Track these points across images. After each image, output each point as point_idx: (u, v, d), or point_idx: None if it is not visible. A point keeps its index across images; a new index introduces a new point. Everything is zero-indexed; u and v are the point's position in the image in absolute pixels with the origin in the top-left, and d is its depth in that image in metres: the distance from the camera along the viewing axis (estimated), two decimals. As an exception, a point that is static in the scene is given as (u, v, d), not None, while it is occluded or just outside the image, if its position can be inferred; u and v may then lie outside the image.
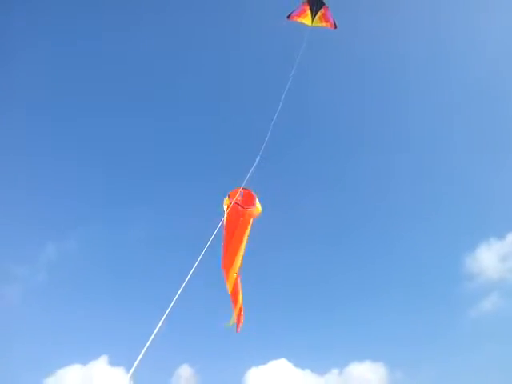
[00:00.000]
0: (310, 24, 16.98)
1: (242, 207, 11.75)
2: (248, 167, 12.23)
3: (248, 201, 11.94)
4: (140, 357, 4.50)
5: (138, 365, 4.78)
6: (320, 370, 36.27)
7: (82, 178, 45.78)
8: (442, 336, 38.73)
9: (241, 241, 11.46)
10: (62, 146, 45.58)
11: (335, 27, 17.51)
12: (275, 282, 44.70)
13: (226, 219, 11.30)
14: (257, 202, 12.07)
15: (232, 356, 37.40)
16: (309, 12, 16.98)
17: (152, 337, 4.72)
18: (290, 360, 35.64)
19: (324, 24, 17.28)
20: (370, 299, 43.11)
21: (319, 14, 17.08)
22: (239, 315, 11.13)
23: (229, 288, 11.12)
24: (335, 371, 37.46)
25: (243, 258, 11.40)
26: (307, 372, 36.05)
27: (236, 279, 11.21)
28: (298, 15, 16.90)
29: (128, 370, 4.73)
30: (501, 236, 43.60)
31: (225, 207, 11.62)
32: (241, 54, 47.46)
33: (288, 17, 17.05)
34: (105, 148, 47.10)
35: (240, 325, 11.13)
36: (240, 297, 11.27)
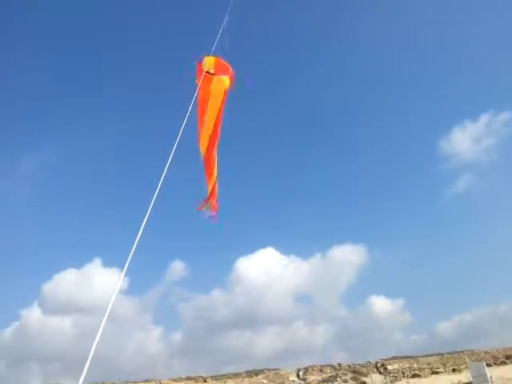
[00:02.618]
0: None
1: (215, 74, 10.96)
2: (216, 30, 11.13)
3: (219, 69, 11.13)
4: (130, 255, 4.83)
5: (130, 263, 5.15)
6: (304, 254, 39.59)
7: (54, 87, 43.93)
8: (418, 216, 42.04)
9: (207, 107, 10.81)
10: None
11: None
12: (260, 176, 46.25)
13: (199, 89, 10.58)
14: (228, 73, 11.19)
15: (221, 248, 40.34)
16: None
17: (139, 235, 5.02)
18: (276, 248, 38.53)
19: None
20: (349, 186, 45.44)
21: None
22: (212, 193, 10.83)
23: (202, 152, 10.79)
24: (318, 255, 40.95)
25: (219, 130, 10.91)
26: (292, 257, 39.16)
27: (211, 151, 10.81)
28: None
29: (122, 269, 5.11)
30: (474, 118, 44.89)
31: (198, 79, 10.80)
32: None
33: None
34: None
35: (209, 202, 10.73)
36: (215, 172, 10.94)
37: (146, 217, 5.16)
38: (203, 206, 10.72)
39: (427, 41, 49.01)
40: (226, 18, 11.64)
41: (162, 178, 6.08)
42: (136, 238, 4.96)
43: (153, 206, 5.86)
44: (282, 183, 46.23)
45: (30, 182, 40.28)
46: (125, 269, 4.83)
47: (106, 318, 4.27)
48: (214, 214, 10.88)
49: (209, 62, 10.80)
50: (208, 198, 10.88)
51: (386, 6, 47.11)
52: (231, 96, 11.22)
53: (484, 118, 44.31)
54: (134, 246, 4.86)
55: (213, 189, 10.96)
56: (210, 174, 10.99)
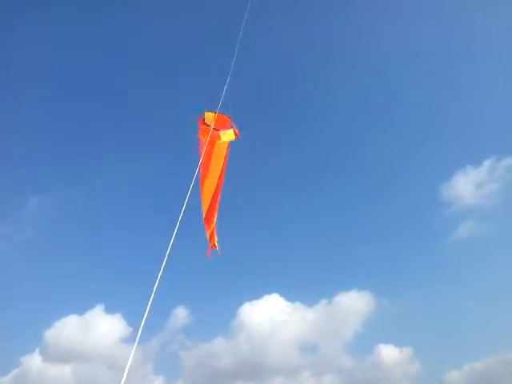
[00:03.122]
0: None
1: (217, 130, 11.32)
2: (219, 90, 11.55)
3: (221, 124, 11.50)
4: (145, 315, 5.06)
5: (143, 322, 5.35)
6: (309, 301, 38.88)
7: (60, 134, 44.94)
8: (422, 262, 41.47)
9: (211, 161, 11.12)
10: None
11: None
12: (266, 222, 46.17)
13: (201, 143, 10.94)
14: (232, 127, 11.60)
15: (225, 294, 39.50)
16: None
17: (154, 291, 5.24)
18: (281, 294, 37.97)
19: None
20: (353, 234, 45.24)
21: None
22: (212, 237, 10.93)
23: (204, 204, 10.92)
24: (324, 302, 40.23)
25: (223, 182, 11.18)
26: (297, 304, 38.57)
27: (213, 202, 10.98)
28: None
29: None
30: (477, 163, 45.40)
31: (199, 134, 11.26)
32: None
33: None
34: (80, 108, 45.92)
35: (212, 247, 10.81)
36: (215, 220, 11.08)
37: (161, 271, 5.39)
38: (210, 250, 10.86)
39: (428, 86, 50.21)
40: (229, 78, 12.12)
41: (172, 238, 6.37)
42: (141, 285, 5.22)
43: (166, 261, 6.09)
44: (287, 229, 46.11)
45: (33, 225, 40.24)
46: (140, 328, 5.04)
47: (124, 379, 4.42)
48: (210, 249, 10.92)
49: (209, 117, 11.28)
50: (211, 242, 10.97)
51: (382, 58, 48.83)
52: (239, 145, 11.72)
53: (487, 164, 44.48)
54: (150, 302, 5.10)
55: (212, 233, 11.05)
56: (211, 221, 11.09)
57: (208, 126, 11.19)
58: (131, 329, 32.33)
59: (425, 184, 46.99)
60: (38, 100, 44.51)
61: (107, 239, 42.34)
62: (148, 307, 5.22)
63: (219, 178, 11.28)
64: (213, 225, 11.13)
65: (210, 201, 11.10)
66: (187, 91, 45.63)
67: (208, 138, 10.60)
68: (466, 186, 44.24)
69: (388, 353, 35.24)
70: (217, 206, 11.24)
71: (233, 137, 11.59)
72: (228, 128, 11.58)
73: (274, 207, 46.09)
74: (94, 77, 46.47)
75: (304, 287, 38.90)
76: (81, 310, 35.89)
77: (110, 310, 35.54)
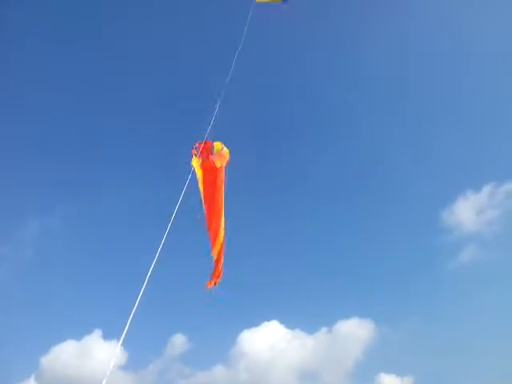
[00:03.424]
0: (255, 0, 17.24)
1: (208, 159, 11.35)
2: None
3: (211, 152, 11.58)
4: (128, 324, 5.32)
5: (127, 333, 5.62)
6: (310, 329, 38.37)
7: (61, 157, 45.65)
8: (423, 289, 41.12)
9: (215, 191, 11.20)
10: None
11: (284, 1, 17.86)
12: (265, 248, 46.14)
13: (201, 178, 11.05)
14: (222, 148, 11.66)
15: (224, 321, 39.04)
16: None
17: (136, 305, 5.49)
18: (281, 322, 37.48)
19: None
20: (353, 261, 45.09)
21: (265, -12, 17.31)
22: (217, 275, 10.99)
23: (214, 252, 10.98)
24: (324, 329, 39.67)
25: (223, 204, 11.31)
26: (297, 331, 38.05)
27: (218, 225, 11.13)
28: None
29: (123, 342, 5.50)
30: (477, 189, 45.58)
31: (195, 166, 11.21)
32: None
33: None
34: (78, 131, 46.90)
35: (214, 281, 10.85)
36: (222, 260, 11.16)
37: (143, 288, 5.67)
38: (211, 284, 10.88)
39: (427, 110, 50.97)
40: (218, 103, 12.41)
41: (158, 252, 6.67)
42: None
43: (150, 275, 6.38)
44: (287, 255, 45.89)
45: (33, 247, 40.17)
46: (120, 341, 5.28)
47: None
48: (211, 283, 10.91)
49: (202, 145, 11.46)
50: (215, 274, 11.01)
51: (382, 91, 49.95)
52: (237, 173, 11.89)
53: (486, 189, 44.66)
54: (131, 317, 5.36)
55: (218, 262, 11.12)
56: (215, 245, 11.18)
57: (201, 154, 11.30)
58: (128, 354, 31.95)
59: (425, 209, 47.07)
60: (38, 120, 45.29)
61: (107, 263, 42.35)
62: (130, 319, 5.48)
63: (221, 206, 11.39)
64: (222, 260, 11.18)
65: (217, 234, 11.19)
66: (188, 116, 46.56)
67: (197, 164, 10.85)
68: (467, 211, 44.29)
69: (389, 382, 34.53)
70: (223, 240, 11.33)
71: (226, 159, 11.67)
72: (219, 153, 11.69)
73: (274, 233, 46.14)
74: (94, 96, 47.51)
75: (304, 314, 38.51)
76: (78, 335, 35.48)
77: (107, 335, 35.21)
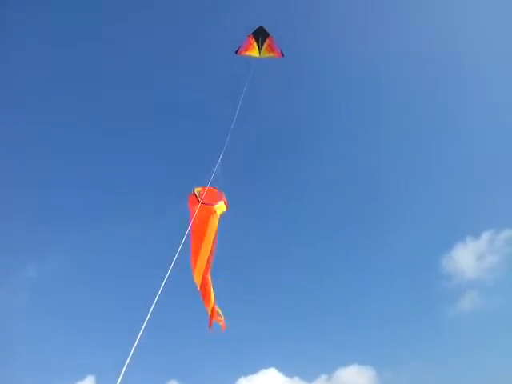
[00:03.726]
0: (257, 55, 18.30)
1: (205, 204, 11.51)
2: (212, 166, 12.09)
3: (212, 198, 11.75)
4: (122, 374, 5.41)
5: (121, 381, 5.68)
6: (309, 377, 37.14)
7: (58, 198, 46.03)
8: (424, 334, 40.26)
9: (205, 237, 11.28)
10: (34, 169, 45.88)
11: (282, 55, 18.96)
12: (263, 292, 45.58)
13: (192, 218, 11.09)
14: (222, 199, 11.84)
15: (220, 367, 37.82)
16: (255, 44, 18.29)
17: (131, 352, 5.60)
18: (279, 369, 36.30)
19: (272, 54, 18.61)
20: (352, 305, 44.48)
21: (265, 44, 18.43)
22: (213, 314, 11.10)
23: (198, 284, 11.05)
24: (324, 377, 38.39)
25: (214, 255, 11.35)
26: (296, 380, 36.84)
27: (205, 277, 11.14)
28: (246, 49, 18.16)
29: None
30: (476, 235, 45.61)
31: (190, 207, 11.43)
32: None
33: (236, 52, 18.27)
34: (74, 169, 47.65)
35: (214, 321, 11.05)
36: (212, 295, 11.24)
37: (139, 336, 5.78)
38: (211, 324, 11.12)
39: (427, 157, 52.05)
40: (221, 154, 12.86)
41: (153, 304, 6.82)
42: (127, 353, 5.58)
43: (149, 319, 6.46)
44: (284, 301, 45.21)
45: (29, 290, 39.56)
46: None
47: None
48: (211, 323, 11.16)
49: (199, 192, 11.66)
50: (212, 317, 11.17)
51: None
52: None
53: (486, 236, 44.87)
54: (125, 365, 5.45)
55: (213, 310, 11.21)
56: (207, 296, 11.27)
57: (198, 200, 11.48)
58: None
59: (425, 255, 46.89)
60: (36, 159, 46.07)
61: (101, 308, 41.69)
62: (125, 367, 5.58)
63: (210, 251, 11.45)
64: (212, 299, 11.28)
65: (202, 275, 11.21)
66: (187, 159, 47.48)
67: (196, 212, 10.98)
68: (467, 257, 44.16)
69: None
70: (209, 279, 11.38)
71: (224, 209, 11.85)
72: (219, 201, 11.86)
73: (272, 275, 45.78)
74: (93, 137, 48.66)
75: (303, 361, 37.39)
76: (71, 381, 34.25)
77: (101, 382, 34.06)
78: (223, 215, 11.93)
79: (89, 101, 46.74)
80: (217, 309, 11.38)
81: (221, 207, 11.81)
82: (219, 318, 11.41)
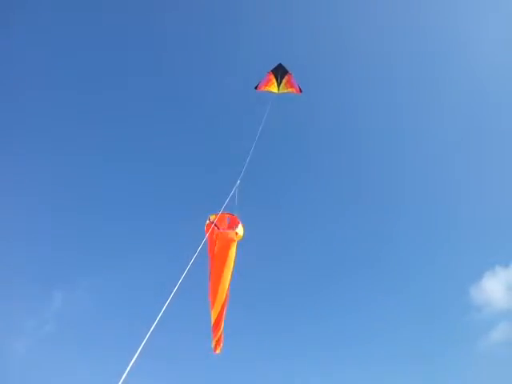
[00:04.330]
0: (276, 91, 19.05)
1: (222, 229, 11.45)
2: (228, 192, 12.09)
3: (228, 224, 11.68)
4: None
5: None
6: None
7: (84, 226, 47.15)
8: (455, 368, 38.03)
9: (225, 267, 11.16)
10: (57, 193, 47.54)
11: (301, 91, 19.63)
12: (272, 336, 44.50)
13: (208, 245, 11.06)
14: (239, 225, 11.64)
15: None
16: (274, 80, 19.07)
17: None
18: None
19: (290, 90, 19.27)
20: (379, 337, 42.73)
21: (284, 81, 19.17)
22: (219, 341, 10.94)
23: (213, 317, 10.87)
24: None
25: (230, 284, 11.21)
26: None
27: (222, 308, 11.01)
28: (265, 85, 18.93)
29: None
30: (506, 264, 43.82)
31: (206, 232, 11.24)
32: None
33: (256, 87, 19.08)
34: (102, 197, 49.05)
35: (218, 346, 10.83)
36: (222, 326, 11.07)
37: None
38: (217, 348, 10.88)
39: (453, 185, 51.03)
40: (238, 181, 13.06)
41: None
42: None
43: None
44: (294, 336, 43.87)
45: (56, 319, 39.96)
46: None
47: None
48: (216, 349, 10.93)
49: (215, 218, 11.55)
50: (217, 342, 10.96)
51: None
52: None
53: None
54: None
55: (219, 339, 11.05)
56: (219, 329, 11.10)
57: (215, 226, 11.41)
58: None
59: (454, 288, 45.03)
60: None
61: (127, 335, 41.79)
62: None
63: (227, 278, 11.33)
64: (221, 328, 11.10)
65: (219, 305, 11.07)
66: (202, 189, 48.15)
67: (209, 238, 10.97)
68: (496, 287, 42.20)
69: None
70: (225, 310, 11.22)
71: (241, 234, 11.68)
72: (236, 226, 11.69)
73: (287, 310, 44.78)
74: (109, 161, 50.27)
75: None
76: None
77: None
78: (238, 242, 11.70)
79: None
80: (222, 338, 11.11)
81: (240, 231, 11.60)
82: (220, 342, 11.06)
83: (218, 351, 10.88)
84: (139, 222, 50.27)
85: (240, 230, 11.69)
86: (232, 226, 11.84)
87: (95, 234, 48.04)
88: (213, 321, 10.96)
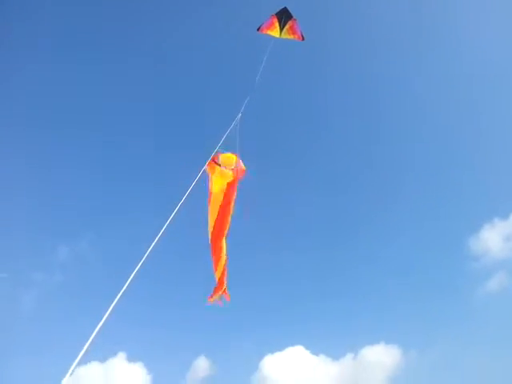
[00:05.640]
0: (278, 36, 18.71)
1: (225, 167, 11.39)
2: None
3: (229, 162, 11.66)
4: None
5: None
6: (335, 354, 37.80)
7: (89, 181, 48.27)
8: (452, 315, 40.22)
9: (226, 203, 11.16)
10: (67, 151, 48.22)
11: (303, 39, 19.15)
12: (290, 273, 46.44)
13: (210, 183, 11.06)
14: (240, 163, 11.62)
15: (247, 344, 39.03)
16: (277, 24, 18.62)
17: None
18: (306, 347, 36.99)
19: (292, 36, 18.84)
20: (381, 286, 44.68)
21: (287, 26, 18.69)
22: (219, 284, 10.90)
23: (217, 271, 10.88)
24: (350, 355, 39.01)
25: (229, 222, 11.25)
26: (322, 357, 37.61)
27: (220, 242, 11.04)
28: (267, 27, 18.54)
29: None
30: (504, 216, 44.88)
31: (208, 172, 11.24)
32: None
33: (258, 29, 18.71)
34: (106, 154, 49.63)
35: (220, 293, 10.77)
36: (223, 262, 11.04)
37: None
38: (213, 298, 10.93)
39: (453, 139, 51.16)
40: (240, 114, 13.03)
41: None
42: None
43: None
44: (312, 281, 46.02)
45: (63, 272, 42.01)
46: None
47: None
48: (227, 298, 11.00)
49: (217, 157, 11.63)
50: (217, 288, 10.97)
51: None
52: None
53: (513, 216, 44.12)
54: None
55: (221, 278, 11.04)
56: (217, 262, 11.12)
57: (216, 163, 11.52)
58: (151, 376, 32.40)
59: (453, 237, 46.42)
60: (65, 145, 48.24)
61: (133, 287, 43.76)
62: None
63: (219, 215, 11.33)
64: (221, 267, 11.01)
65: (214, 242, 11.15)
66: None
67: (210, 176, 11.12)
68: (494, 238, 43.54)
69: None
70: (224, 246, 11.26)
71: (241, 175, 11.73)
72: (236, 165, 11.79)
73: (303, 258, 46.46)
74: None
75: (330, 340, 38.04)
76: (103, 358, 35.99)
77: (132, 358, 35.80)
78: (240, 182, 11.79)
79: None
80: (225, 280, 11.16)
81: (228, 174, 11.56)
82: (224, 290, 11.09)
83: (212, 298, 10.86)
84: (143, 175, 50.97)
85: (241, 168, 11.70)
86: (233, 164, 11.86)
87: (100, 191, 48.91)
88: (219, 271, 11.02)
